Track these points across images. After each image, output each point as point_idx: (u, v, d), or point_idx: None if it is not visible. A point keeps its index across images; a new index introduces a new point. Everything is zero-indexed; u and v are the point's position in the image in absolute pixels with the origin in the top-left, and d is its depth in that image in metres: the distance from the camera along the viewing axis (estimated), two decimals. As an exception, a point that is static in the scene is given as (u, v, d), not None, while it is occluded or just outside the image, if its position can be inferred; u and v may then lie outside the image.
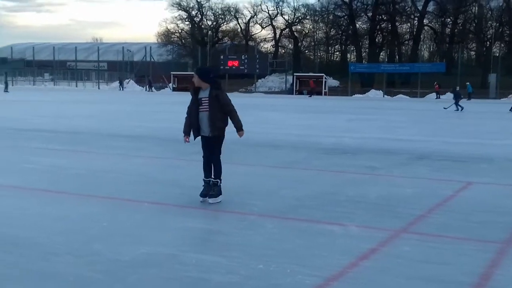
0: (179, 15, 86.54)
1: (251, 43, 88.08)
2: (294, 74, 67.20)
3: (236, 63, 68.78)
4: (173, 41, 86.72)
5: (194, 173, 9.53)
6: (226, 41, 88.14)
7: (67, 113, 24.49)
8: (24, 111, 25.22)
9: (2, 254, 4.88)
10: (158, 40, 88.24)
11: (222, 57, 70.63)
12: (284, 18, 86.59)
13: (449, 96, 45.28)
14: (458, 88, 36.82)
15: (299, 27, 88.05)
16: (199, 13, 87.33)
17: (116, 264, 4.69)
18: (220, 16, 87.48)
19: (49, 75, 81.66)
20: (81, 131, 16.26)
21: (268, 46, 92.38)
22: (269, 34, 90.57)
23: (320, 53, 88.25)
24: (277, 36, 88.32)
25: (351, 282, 4.38)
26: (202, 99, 6.92)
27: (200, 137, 7.13)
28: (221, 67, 68.63)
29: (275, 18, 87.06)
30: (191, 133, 7.11)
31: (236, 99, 34.91)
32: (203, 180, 7.17)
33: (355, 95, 61.40)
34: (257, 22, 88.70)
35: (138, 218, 6.27)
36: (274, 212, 6.64)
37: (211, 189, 7.07)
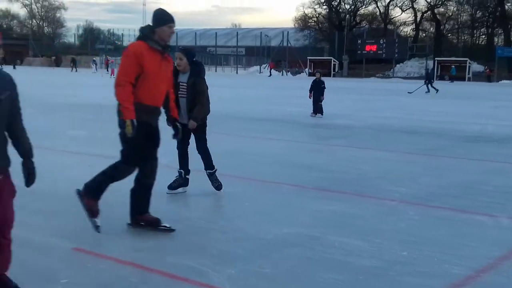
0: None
1: (390, 26, 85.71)
2: (436, 58, 64.53)
3: (374, 48, 67.47)
4: (310, 25, 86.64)
5: (333, 157, 9.58)
6: (364, 25, 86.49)
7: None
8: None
9: (163, 230, 5.20)
10: (295, 25, 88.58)
11: (359, 41, 69.57)
12: (426, 0, 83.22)
13: None
14: None
15: (442, 9, 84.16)
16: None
17: (259, 242, 4.84)
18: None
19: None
20: (219, 114, 16.81)
21: (407, 30, 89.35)
22: (409, 17, 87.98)
23: (464, 37, 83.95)
24: (418, 19, 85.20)
25: (504, 275, 4.18)
26: (181, 83, 6.22)
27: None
28: (358, 52, 67.66)
29: (416, 1, 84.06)
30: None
31: (373, 84, 34.35)
32: (177, 171, 6.54)
33: (502, 81, 57.75)
34: (396, 5, 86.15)
35: (278, 199, 6.41)
36: (416, 199, 6.48)
37: (212, 181, 6.55)
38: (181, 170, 6.47)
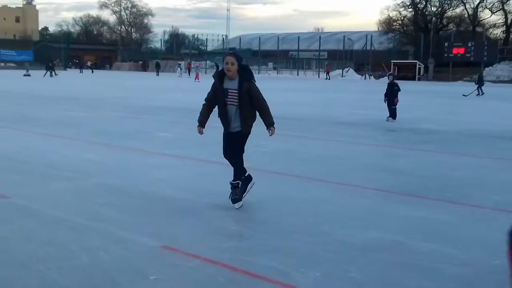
0: (402, 2, 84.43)
1: (478, 29, 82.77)
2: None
3: (461, 51, 65.39)
4: (395, 28, 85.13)
5: (419, 162, 9.33)
6: (451, 27, 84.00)
7: (290, 100, 25.46)
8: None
9: (244, 229, 5.27)
10: (379, 28, 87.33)
11: (446, 44, 67.63)
12: (518, 1, 79.70)
13: None
14: None
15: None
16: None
17: (346, 246, 4.77)
18: (446, 1, 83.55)
19: (273, 64, 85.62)
20: (304, 117, 16.80)
21: (497, 32, 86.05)
22: (499, 19, 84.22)
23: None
24: (509, 21, 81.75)
25: None
26: (229, 90, 5.79)
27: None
28: (445, 55, 65.72)
29: (507, 2, 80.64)
30: (222, 123, 6.00)
31: (460, 88, 33.13)
32: (230, 183, 6.07)
33: None
34: (486, 7, 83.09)
35: (364, 204, 6.30)
36: (510, 207, 6.19)
37: (232, 193, 6.01)
38: (237, 181, 6.01)
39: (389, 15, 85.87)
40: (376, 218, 5.69)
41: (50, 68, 52.48)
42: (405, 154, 10.32)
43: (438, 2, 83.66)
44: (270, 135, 5.90)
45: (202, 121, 5.99)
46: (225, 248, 4.66)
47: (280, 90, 35.82)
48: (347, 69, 73.76)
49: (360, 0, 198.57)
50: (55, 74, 51.44)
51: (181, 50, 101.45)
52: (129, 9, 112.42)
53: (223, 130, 5.99)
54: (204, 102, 6.03)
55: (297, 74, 75.93)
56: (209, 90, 5.98)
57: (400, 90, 16.23)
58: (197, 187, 5.56)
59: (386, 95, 16.19)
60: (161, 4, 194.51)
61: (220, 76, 5.84)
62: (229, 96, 5.76)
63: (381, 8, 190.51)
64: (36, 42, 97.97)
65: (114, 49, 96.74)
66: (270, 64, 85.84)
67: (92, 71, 58.51)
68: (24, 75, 49.28)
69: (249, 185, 6.05)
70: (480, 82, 34.09)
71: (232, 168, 6.06)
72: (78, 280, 3.90)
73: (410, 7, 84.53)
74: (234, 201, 5.91)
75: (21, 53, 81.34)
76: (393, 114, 16.01)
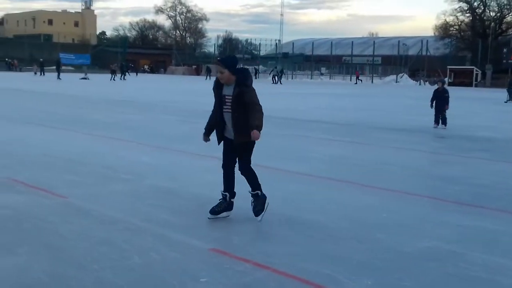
0: (460, 7, 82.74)
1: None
2: None
3: (521, 56, 63.44)
4: (451, 34, 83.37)
5: (475, 170, 9.11)
6: (511, 33, 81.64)
7: (343, 105, 25.30)
8: (303, 103, 26.73)
9: (295, 234, 5.23)
10: (435, 33, 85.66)
11: (505, 50, 65.76)
12: None
13: None
14: None
15: None
16: (481, 4, 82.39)
17: (398, 255, 4.70)
18: (505, 6, 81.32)
19: (326, 69, 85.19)
20: (357, 123, 16.65)
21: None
22: None
23: None
24: None
25: None
26: (226, 97, 5.42)
27: (223, 141, 5.70)
28: (504, 61, 63.94)
29: None
30: (215, 133, 5.72)
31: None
32: (221, 193, 5.71)
33: None
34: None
35: (417, 212, 6.19)
36: None
37: (254, 204, 5.61)
38: (226, 193, 5.63)
39: (445, 20, 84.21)
40: (429, 227, 5.57)
41: (123, 71, 55.33)
42: (459, 161, 10.08)
43: (497, 7, 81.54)
44: (251, 138, 5.33)
45: (209, 130, 5.73)
46: (276, 252, 4.65)
47: (332, 95, 35.62)
48: (402, 74, 72.62)
49: (417, 5, 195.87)
50: (124, 79, 53.26)
51: (234, 54, 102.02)
52: (184, 14, 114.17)
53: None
54: (212, 110, 5.71)
55: (350, 80, 75.24)
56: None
57: (449, 97, 15.92)
58: (246, 191, 5.59)
59: (432, 100, 15.91)
60: (215, 9, 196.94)
61: (218, 83, 5.49)
62: (226, 103, 5.41)
63: (437, 13, 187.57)
64: (94, 46, 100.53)
65: (169, 53, 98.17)
66: (323, 69, 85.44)
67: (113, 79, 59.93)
68: (82, 78, 50.60)
69: (265, 203, 5.63)
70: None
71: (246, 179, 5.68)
72: (130, 281, 3.98)
73: (467, 12, 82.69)
74: (257, 213, 5.55)
75: (79, 56, 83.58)
76: (444, 121, 15.70)
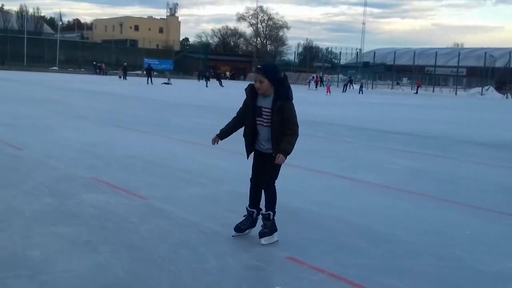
0: (552, 17, 79.13)
1: None
2: None
3: None
4: (542, 46, 79.77)
5: None
6: None
7: (423, 117, 24.69)
8: (382, 113, 26.31)
9: (372, 247, 5.14)
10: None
11: None
12: None
13: None
14: None
15: None
16: None
17: (480, 274, 4.53)
18: None
19: (407, 80, 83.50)
20: (436, 135, 16.19)
21: None
22: None
23: None
24: None
25: None
26: (263, 108, 4.99)
27: (252, 153, 5.31)
28: None
29: None
30: (245, 146, 5.39)
31: None
32: (246, 209, 5.35)
33: None
34: None
35: (502, 230, 5.96)
36: None
37: (263, 225, 5.15)
38: (253, 210, 5.28)
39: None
40: (513, 247, 5.35)
41: (207, 77, 57.49)
42: (549, 180, 9.60)
43: None
44: (275, 161, 4.94)
45: (223, 133, 5.41)
46: (352, 264, 4.59)
47: (413, 106, 34.87)
48: (488, 87, 70.15)
49: (505, 16, 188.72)
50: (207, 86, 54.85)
51: (314, 62, 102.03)
52: (266, 22, 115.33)
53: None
54: (235, 116, 5.35)
55: (433, 91, 73.42)
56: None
57: None
58: (324, 201, 5.54)
59: None
60: (296, 17, 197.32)
61: (253, 91, 5.03)
62: (263, 115, 4.99)
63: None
64: (177, 52, 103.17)
65: (249, 60, 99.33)
66: (405, 80, 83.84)
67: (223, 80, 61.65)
68: (164, 83, 51.98)
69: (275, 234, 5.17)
70: None
71: (249, 194, 5.40)
72: (207, 284, 4.03)
73: (561, 23, 78.82)
74: (263, 234, 5.08)
75: (162, 62, 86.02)
76: None
